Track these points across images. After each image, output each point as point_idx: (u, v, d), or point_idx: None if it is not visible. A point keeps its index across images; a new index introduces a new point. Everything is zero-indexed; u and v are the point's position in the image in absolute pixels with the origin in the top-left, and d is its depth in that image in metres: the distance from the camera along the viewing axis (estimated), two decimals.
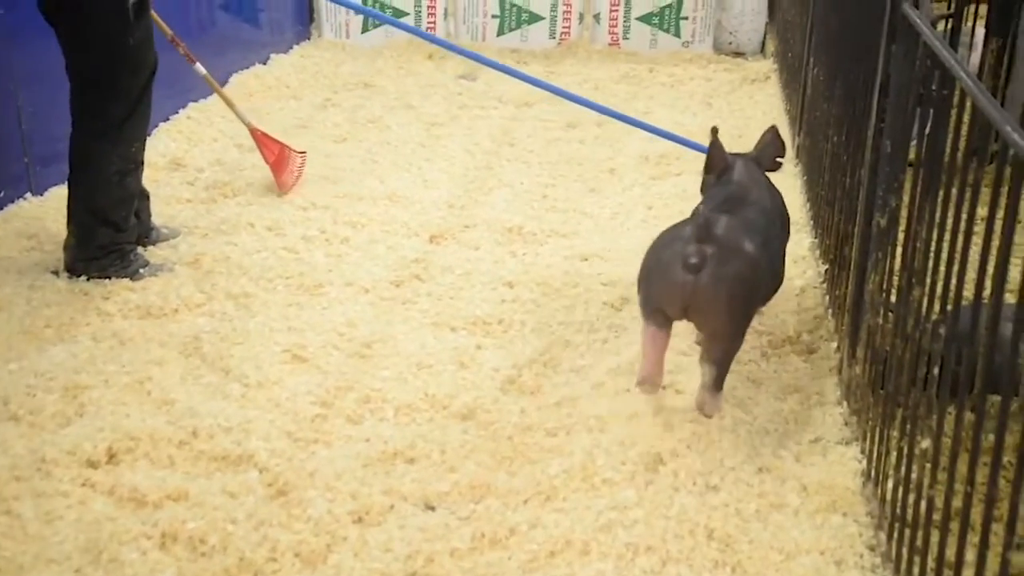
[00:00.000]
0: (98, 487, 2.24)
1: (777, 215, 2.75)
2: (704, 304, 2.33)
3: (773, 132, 2.90)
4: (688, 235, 2.36)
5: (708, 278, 2.30)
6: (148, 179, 4.05)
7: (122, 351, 2.81)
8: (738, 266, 2.34)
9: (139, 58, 3.14)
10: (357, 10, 5.63)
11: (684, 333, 2.88)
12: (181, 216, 3.75)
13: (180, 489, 2.23)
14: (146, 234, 3.47)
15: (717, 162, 2.80)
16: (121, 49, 3.08)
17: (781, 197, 2.87)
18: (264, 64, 5.78)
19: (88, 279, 3.18)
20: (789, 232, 2.90)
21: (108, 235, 3.20)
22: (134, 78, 3.14)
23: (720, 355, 2.39)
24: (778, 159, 2.88)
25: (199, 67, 3.94)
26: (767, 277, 2.50)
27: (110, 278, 3.19)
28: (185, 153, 4.40)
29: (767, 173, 2.86)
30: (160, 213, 3.68)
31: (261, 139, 4.08)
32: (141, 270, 3.24)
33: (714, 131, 2.80)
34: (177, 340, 2.89)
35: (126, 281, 3.19)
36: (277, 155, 4.06)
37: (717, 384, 2.42)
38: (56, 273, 3.23)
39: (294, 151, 4.13)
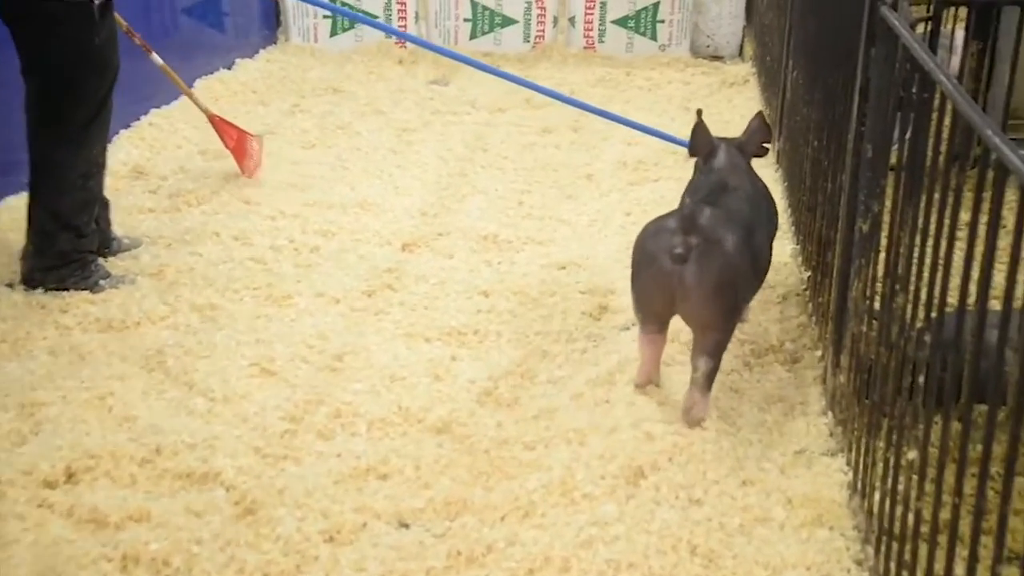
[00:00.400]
0: (56, 508, 2.20)
1: (762, 199, 2.81)
2: (692, 295, 2.39)
3: (760, 118, 2.97)
4: (673, 226, 2.42)
5: (694, 268, 2.36)
6: (109, 188, 3.99)
7: (81, 366, 2.77)
8: (723, 255, 2.39)
9: (104, 59, 3.11)
10: (332, 10, 5.62)
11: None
12: (143, 226, 3.71)
13: (142, 509, 2.19)
14: (106, 244, 3.43)
15: (702, 145, 2.87)
16: (87, 50, 3.05)
17: (764, 184, 2.92)
18: (229, 69, 5.75)
19: (45, 291, 3.14)
20: (777, 222, 2.95)
21: (69, 241, 3.16)
22: (100, 80, 3.11)
23: (712, 346, 2.43)
24: (764, 144, 2.95)
25: (155, 57, 3.97)
26: (752, 266, 2.54)
27: (68, 289, 3.14)
28: (147, 161, 4.36)
29: (755, 158, 2.94)
30: (121, 223, 3.63)
31: (219, 125, 4.17)
32: (101, 281, 3.20)
33: (699, 113, 2.87)
34: (139, 354, 2.85)
35: (85, 293, 3.14)
36: (236, 140, 4.17)
37: (708, 380, 2.45)
38: (11, 286, 3.18)
39: (251, 135, 4.24)
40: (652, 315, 2.52)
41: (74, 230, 3.17)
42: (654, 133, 4.54)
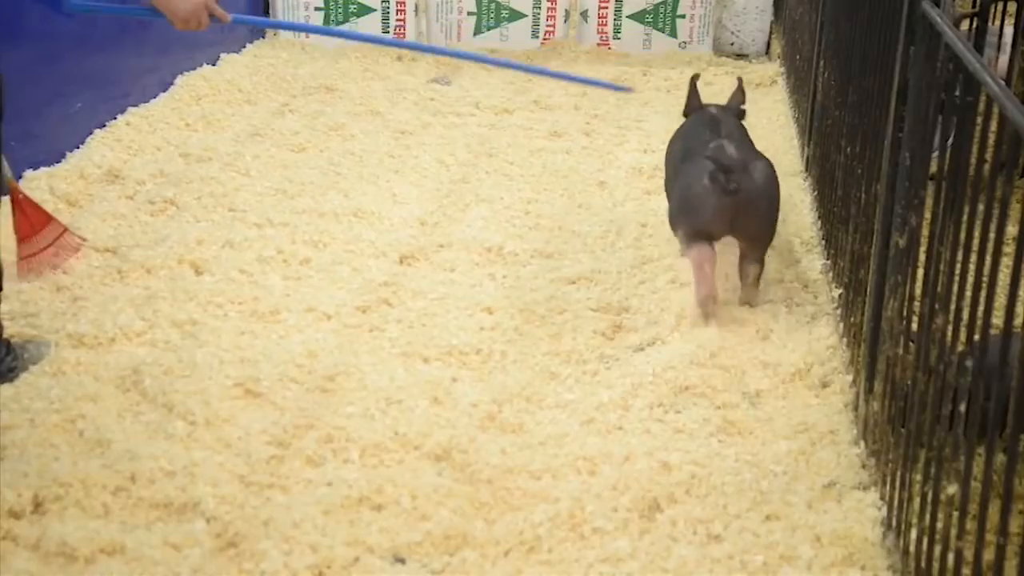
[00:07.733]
0: (21, 540, 2.21)
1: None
2: (750, 215, 3.11)
3: (739, 83, 3.79)
4: (711, 167, 3.06)
5: (747, 195, 3.07)
6: (81, 192, 4.05)
7: (51, 385, 2.78)
8: (763, 175, 3.13)
9: None
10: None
11: (683, 365, 2.89)
12: (118, 234, 3.73)
13: (115, 542, 2.20)
14: None
15: (694, 105, 3.70)
16: None
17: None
18: (213, 65, 5.78)
19: None
20: None
21: None
22: None
23: (761, 252, 3.22)
24: (742, 107, 3.71)
25: None
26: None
27: None
28: (124, 164, 4.38)
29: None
30: (94, 230, 3.65)
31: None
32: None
33: (694, 77, 3.72)
34: (114, 373, 2.86)
35: (55, 305, 3.16)
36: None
37: (759, 279, 3.24)
38: None
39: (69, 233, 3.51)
40: (704, 238, 3.12)
41: None
42: (588, 82, 4.79)
